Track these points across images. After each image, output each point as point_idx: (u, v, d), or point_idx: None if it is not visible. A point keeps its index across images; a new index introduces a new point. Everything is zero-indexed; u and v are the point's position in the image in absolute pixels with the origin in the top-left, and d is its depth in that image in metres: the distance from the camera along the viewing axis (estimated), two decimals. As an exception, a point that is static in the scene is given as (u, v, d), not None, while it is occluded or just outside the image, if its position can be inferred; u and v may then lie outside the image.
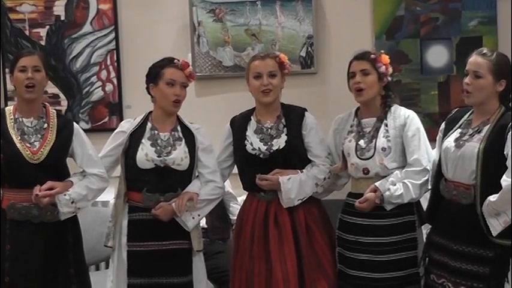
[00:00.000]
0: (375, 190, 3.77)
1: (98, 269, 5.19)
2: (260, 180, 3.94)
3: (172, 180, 3.91)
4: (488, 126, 3.51)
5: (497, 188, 3.35)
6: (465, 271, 3.50)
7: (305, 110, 4.08)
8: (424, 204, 3.88)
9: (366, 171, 3.85)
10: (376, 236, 3.80)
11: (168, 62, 3.96)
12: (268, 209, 3.98)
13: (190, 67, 4.00)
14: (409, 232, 3.82)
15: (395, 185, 3.76)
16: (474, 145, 3.49)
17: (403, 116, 3.87)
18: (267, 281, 3.92)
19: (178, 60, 3.97)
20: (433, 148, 3.87)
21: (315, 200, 4.05)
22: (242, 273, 4.00)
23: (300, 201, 3.95)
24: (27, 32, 5.44)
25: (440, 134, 3.78)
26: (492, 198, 3.37)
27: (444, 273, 3.60)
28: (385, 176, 3.81)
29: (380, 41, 5.11)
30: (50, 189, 3.70)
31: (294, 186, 3.92)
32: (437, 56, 5.11)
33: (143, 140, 3.93)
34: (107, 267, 5.14)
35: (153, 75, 3.96)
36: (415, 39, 5.13)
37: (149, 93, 4.00)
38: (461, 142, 3.55)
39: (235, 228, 4.17)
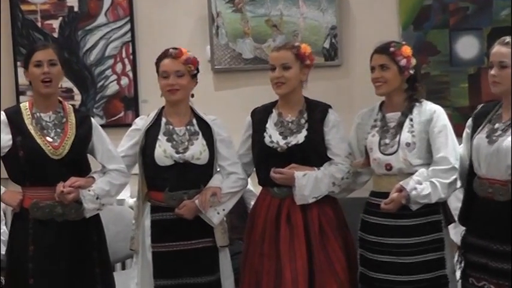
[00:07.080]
0: (401, 190, 3.72)
1: (113, 269, 5.10)
2: (275, 173, 3.92)
3: (193, 176, 3.92)
4: None
5: None
6: (507, 271, 3.45)
7: (329, 106, 4.07)
8: (452, 203, 3.86)
9: (388, 167, 3.81)
10: (401, 237, 3.77)
11: (164, 54, 3.99)
12: (281, 207, 3.97)
13: (188, 53, 3.96)
14: (435, 232, 3.78)
15: (421, 184, 3.72)
16: (508, 139, 3.45)
17: (429, 111, 3.83)
18: (276, 280, 3.90)
19: (176, 49, 3.96)
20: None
21: (331, 200, 4.02)
22: (252, 272, 4.00)
23: (314, 199, 3.93)
24: (39, 24, 5.47)
25: (467, 130, 3.75)
26: None
27: (484, 276, 3.56)
28: (409, 173, 3.78)
29: (407, 31, 5.02)
30: None
31: (309, 182, 3.89)
32: (468, 47, 4.99)
33: (159, 136, 3.94)
34: (122, 268, 5.23)
35: (156, 69, 4.01)
36: (444, 29, 5.01)
37: None
38: (494, 138, 3.53)
39: (247, 224, 4.17)
